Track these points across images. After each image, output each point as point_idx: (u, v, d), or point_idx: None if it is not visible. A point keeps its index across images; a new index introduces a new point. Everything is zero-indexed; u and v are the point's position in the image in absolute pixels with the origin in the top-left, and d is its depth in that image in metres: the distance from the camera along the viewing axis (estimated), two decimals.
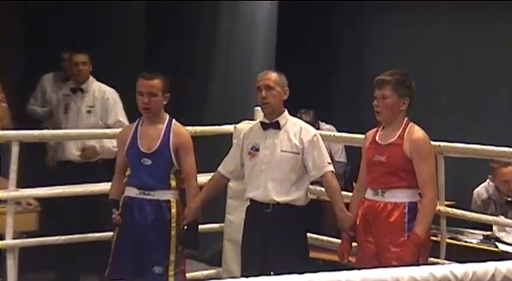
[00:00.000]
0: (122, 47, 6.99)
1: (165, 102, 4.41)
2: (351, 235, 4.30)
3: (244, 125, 5.23)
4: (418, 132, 4.10)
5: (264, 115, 4.46)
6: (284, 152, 4.32)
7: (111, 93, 6.05)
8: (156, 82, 4.32)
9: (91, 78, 6.11)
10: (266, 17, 6.66)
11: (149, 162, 4.33)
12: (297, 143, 4.31)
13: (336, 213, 4.30)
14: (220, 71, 6.88)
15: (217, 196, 4.78)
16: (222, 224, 5.62)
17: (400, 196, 4.10)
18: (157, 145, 4.35)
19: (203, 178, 4.72)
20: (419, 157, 4.03)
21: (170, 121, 4.42)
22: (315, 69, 8.07)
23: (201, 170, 4.61)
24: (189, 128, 4.64)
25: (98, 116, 5.96)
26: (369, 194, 4.22)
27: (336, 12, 8.04)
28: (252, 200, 4.42)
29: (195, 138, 4.67)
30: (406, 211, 4.07)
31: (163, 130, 4.37)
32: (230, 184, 5.15)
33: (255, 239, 4.40)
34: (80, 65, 6.04)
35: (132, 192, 4.40)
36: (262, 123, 4.44)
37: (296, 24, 7.66)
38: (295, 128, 4.35)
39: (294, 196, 4.32)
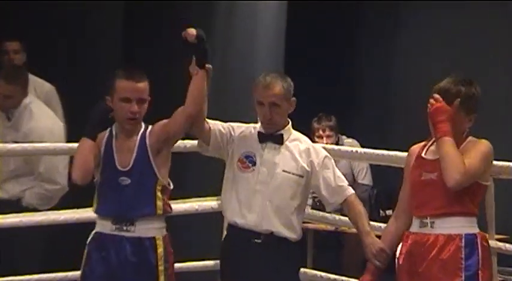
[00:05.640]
0: (97, 48, 6.49)
1: None
2: (377, 265, 3.79)
3: None
4: (479, 141, 3.62)
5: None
6: (286, 173, 3.94)
7: (51, 89, 5.45)
8: (145, 85, 3.79)
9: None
10: (270, 14, 6.58)
11: (128, 181, 3.80)
12: (305, 165, 3.95)
13: (361, 239, 3.91)
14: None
15: (211, 228, 4.40)
16: (217, 261, 4.96)
17: (455, 226, 3.60)
18: (133, 158, 3.81)
19: (178, 206, 4.40)
20: (472, 149, 3.53)
21: (145, 129, 3.86)
22: (331, 73, 7.70)
23: (176, 191, 4.06)
24: None
25: None
26: (415, 226, 3.70)
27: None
28: (235, 227, 3.98)
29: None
30: (463, 244, 3.57)
31: (138, 140, 3.83)
32: None
33: (238, 278, 4.01)
34: (11, 53, 5.48)
35: (105, 227, 3.82)
36: (260, 134, 3.98)
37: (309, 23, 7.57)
38: (301, 146, 3.99)
39: (292, 227, 3.98)
